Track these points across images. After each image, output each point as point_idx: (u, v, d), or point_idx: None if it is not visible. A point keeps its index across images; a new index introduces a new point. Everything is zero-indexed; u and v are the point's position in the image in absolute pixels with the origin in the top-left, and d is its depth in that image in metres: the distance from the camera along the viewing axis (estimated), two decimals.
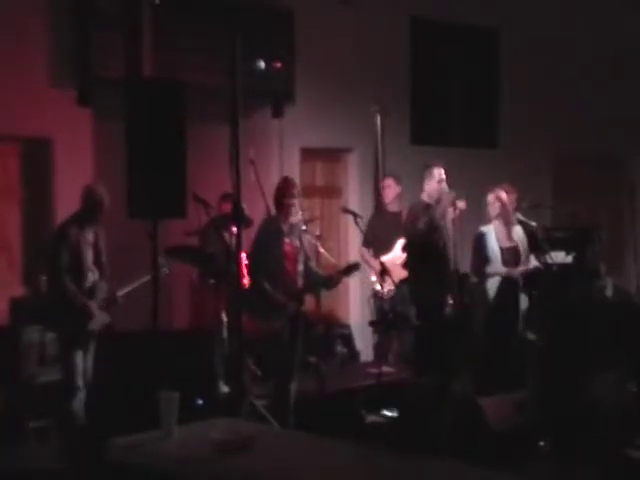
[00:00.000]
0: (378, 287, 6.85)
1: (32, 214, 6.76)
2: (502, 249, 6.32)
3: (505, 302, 6.21)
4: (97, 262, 5.49)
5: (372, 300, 6.96)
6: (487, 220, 6.45)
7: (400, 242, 6.62)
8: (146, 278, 5.39)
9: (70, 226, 5.41)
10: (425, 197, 6.14)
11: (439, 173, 6.15)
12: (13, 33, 6.40)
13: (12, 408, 5.41)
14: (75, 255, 5.35)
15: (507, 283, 6.23)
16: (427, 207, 6.08)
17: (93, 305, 5.36)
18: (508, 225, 6.43)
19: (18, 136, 6.59)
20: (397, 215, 6.97)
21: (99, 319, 5.40)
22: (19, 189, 6.74)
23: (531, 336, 6.13)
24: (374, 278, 6.95)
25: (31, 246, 6.75)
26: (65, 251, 5.33)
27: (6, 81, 6.35)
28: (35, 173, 6.75)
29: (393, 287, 6.38)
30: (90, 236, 5.46)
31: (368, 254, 7.02)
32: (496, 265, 6.28)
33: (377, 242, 6.91)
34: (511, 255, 6.33)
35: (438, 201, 6.05)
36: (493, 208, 6.41)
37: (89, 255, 5.44)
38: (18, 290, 6.42)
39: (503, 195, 6.41)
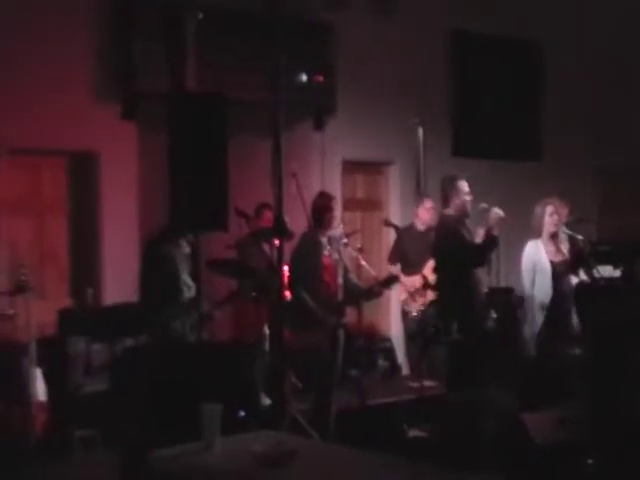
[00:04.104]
0: (407, 307, 6.80)
1: (79, 227, 6.87)
2: (553, 263, 6.18)
3: (554, 317, 6.09)
4: (194, 276, 5.35)
5: (402, 318, 6.93)
6: (537, 234, 6.26)
7: (430, 263, 6.41)
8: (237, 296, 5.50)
9: (161, 241, 5.32)
10: (452, 211, 5.85)
11: (465, 185, 5.89)
12: (59, 49, 6.52)
13: (59, 418, 5.48)
14: (170, 272, 5.25)
15: (557, 297, 6.11)
16: (461, 221, 5.90)
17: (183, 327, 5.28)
18: (557, 239, 6.29)
19: (65, 150, 6.72)
20: (426, 233, 6.84)
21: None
22: (66, 202, 6.85)
23: (577, 351, 6.02)
24: (403, 297, 6.87)
25: (78, 258, 6.85)
26: (157, 270, 5.24)
27: (53, 96, 6.48)
28: (81, 186, 6.87)
29: (423, 308, 6.32)
30: (186, 248, 5.36)
31: (395, 270, 6.91)
32: (546, 280, 6.14)
33: (405, 260, 6.82)
34: (562, 268, 6.20)
35: (466, 215, 5.90)
36: (550, 222, 6.21)
37: (185, 269, 5.32)
38: (65, 302, 6.53)
39: (562, 210, 6.26)
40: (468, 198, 5.84)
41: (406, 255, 6.80)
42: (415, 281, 6.59)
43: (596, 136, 9.44)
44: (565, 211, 6.44)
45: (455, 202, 5.82)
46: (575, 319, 6.20)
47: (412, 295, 6.28)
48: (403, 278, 6.67)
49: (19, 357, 5.35)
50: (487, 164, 8.62)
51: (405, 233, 7.12)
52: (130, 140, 6.80)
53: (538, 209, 6.25)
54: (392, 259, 7.01)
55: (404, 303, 6.94)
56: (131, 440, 4.89)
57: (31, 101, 6.37)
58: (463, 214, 5.86)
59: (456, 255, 5.70)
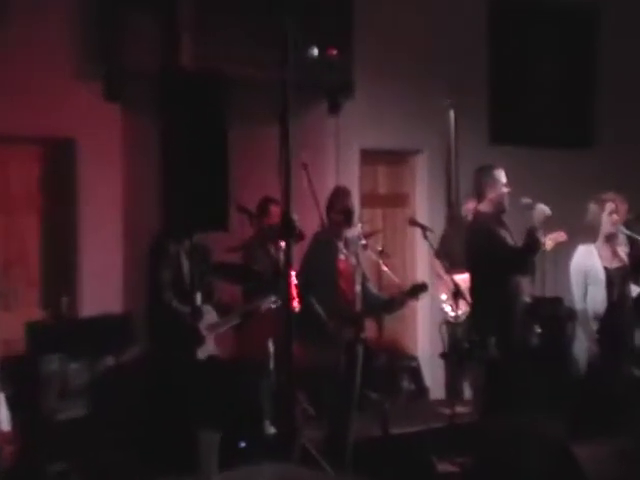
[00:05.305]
0: (448, 309, 6.86)
1: (53, 225, 6.89)
2: (607, 270, 6.14)
3: (610, 332, 6.07)
4: (202, 281, 5.48)
5: (444, 327, 6.95)
6: (592, 235, 6.21)
7: None
8: (266, 303, 5.66)
9: (168, 239, 5.42)
10: (488, 207, 5.83)
11: (502, 176, 5.84)
12: (31, 16, 6.52)
13: (30, 448, 5.51)
14: (176, 272, 5.38)
15: (613, 309, 6.08)
16: (498, 219, 5.87)
17: (203, 329, 5.38)
18: (614, 242, 6.24)
19: (37, 137, 6.73)
20: None
21: (208, 347, 5.44)
22: (39, 196, 6.89)
23: (638, 372, 6.02)
24: (444, 297, 6.96)
25: (51, 262, 6.89)
26: (165, 268, 5.35)
27: (21, 75, 6.43)
28: (57, 178, 6.90)
29: (466, 311, 6.34)
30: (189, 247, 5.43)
31: (440, 267, 7.04)
32: (600, 290, 6.09)
33: (450, 257, 6.90)
34: (619, 275, 6.16)
35: (503, 210, 5.89)
36: (608, 222, 6.15)
37: (188, 271, 5.43)
38: (36, 313, 6.56)
39: (621, 207, 6.21)
40: (505, 190, 5.83)
41: (452, 252, 6.86)
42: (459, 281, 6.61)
43: None
44: (624, 208, 6.40)
45: (491, 196, 5.80)
46: (636, 335, 6.18)
47: (454, 297, 6.28)
48: (446, 277, 6.78)
49: None
50: (530, 152, 8.62)
51: (452, 227, 7.21)
52: (113, 125, 6.82)
53: (594, 207, 6.19)
54: (438, 254, 7.09)
55: (444, 303, 7.02)
56: (113, 473, 4.94)
57: None
58: (500, 210, 5.84)
59: (492, 258, 5.68)
